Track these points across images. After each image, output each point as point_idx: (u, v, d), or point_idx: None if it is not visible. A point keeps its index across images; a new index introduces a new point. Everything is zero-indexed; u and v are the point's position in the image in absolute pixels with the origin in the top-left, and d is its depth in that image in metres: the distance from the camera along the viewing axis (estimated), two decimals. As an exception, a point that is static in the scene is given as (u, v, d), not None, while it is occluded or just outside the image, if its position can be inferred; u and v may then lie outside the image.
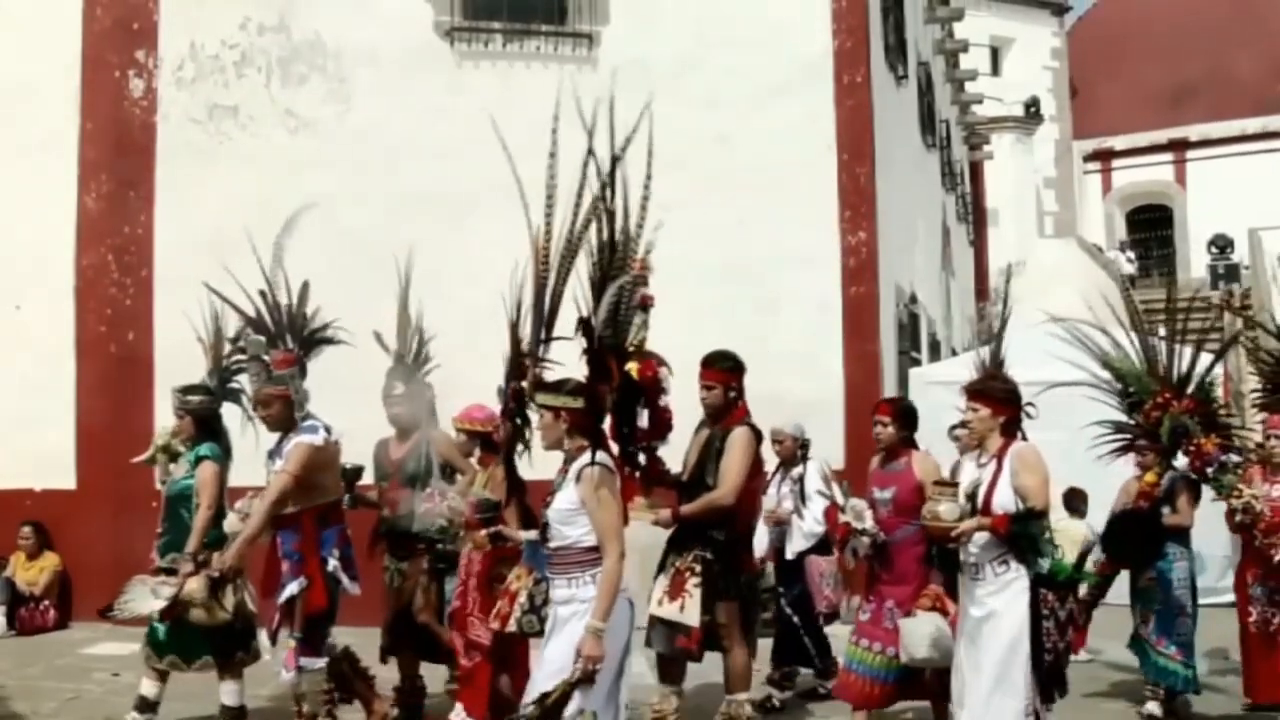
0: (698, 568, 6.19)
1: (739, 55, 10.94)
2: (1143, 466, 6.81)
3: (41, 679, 7.96)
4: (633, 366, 4.88)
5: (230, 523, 6.33)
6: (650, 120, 4.68)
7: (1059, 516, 7.60)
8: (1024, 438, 5.54)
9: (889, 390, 11.53)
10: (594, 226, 4.68)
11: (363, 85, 10.45)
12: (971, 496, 5.39)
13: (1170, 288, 11.43)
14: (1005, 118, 27.79)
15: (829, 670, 7.43)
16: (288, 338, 6.46)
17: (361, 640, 6.62)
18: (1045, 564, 5.22)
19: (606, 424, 4.80)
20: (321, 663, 6.14)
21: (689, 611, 6.15)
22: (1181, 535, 7.25)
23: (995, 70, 29.77)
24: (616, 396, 4.74)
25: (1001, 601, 5.28)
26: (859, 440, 6.53)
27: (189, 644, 6.42)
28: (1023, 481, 5.30)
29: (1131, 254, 30.73)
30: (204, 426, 6.64)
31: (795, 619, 7.49)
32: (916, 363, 13.56)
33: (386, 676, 6.83)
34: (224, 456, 6.66)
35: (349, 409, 6.62)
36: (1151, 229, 33.22)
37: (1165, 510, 7.06)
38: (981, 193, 25.29)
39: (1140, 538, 6.70)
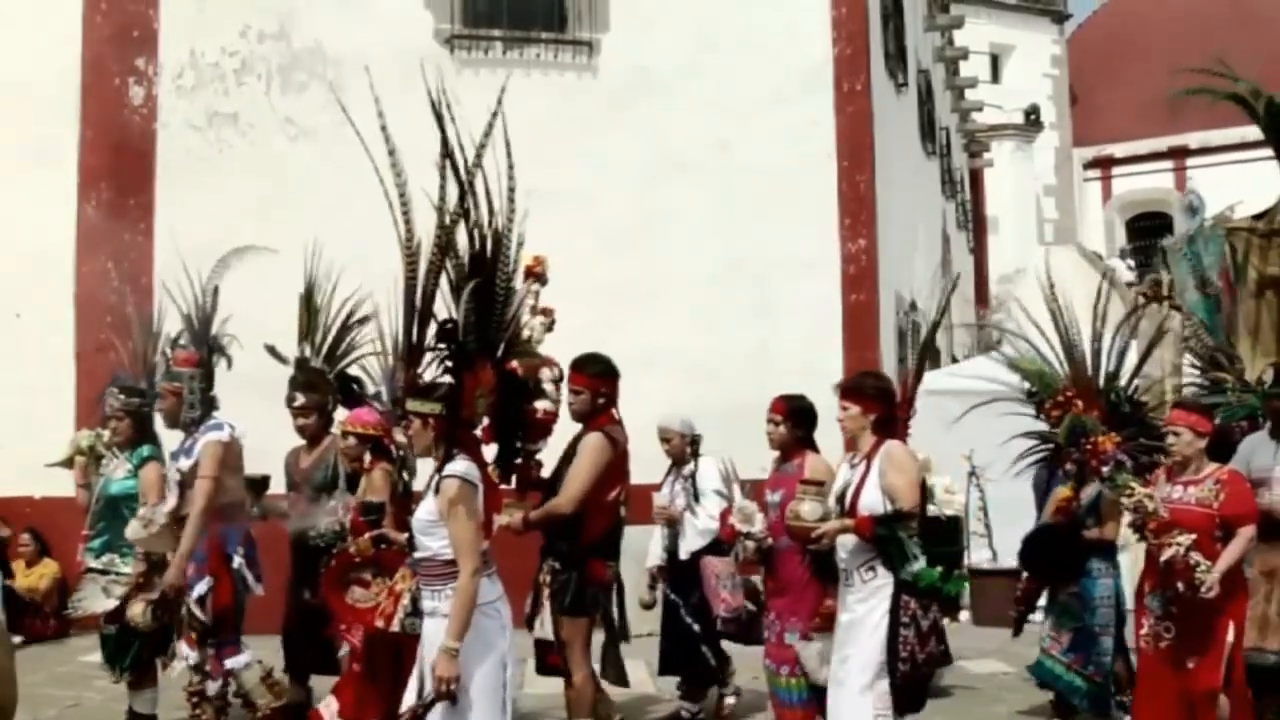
0: (548, 578, 5.92)
1: (739, 62, 10.96)
2: (1069, 475, 6.63)
3: (42, 686, 7.93)
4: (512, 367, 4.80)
5: (132, 529, 6.19)
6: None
7: None
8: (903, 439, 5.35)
9: (889, 397, 11.52)
10: (461, 228, 4.65)
11: (362, 92, 10.43)
12: (841, 498, 5.21)
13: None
14: (1005, 125, 27.76)
15: (727, 680, 7.20)
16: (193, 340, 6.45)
17: (272, 648, 6.55)
18: (915, 568, 4.99)
19: (482, 429, 4.73)
20: (246, 657, 6.12)
21: (548, 626, 5.92)
22: (1107, 551, 6.87)
23: (995, 78, 29.77)
24: (493, 399, 4.64)
25: (867, 609, 5.09)
26: (859, 447, 6.51)
27: (115, 652, 6.44)
28: (890, 481, 5.08)
29: (1131, 261, 30.71)
30: (142, 427, 6.65)
31: (696, 628, 6.99)
32: (916, 370, 13.53)
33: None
34: (162, 457, 6.66)
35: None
36: (1152, 236, 33.19)
37: (1090, 523, 6.81)
38: (981, 200, 25.34)
39: (1058, 553, 6.55)
